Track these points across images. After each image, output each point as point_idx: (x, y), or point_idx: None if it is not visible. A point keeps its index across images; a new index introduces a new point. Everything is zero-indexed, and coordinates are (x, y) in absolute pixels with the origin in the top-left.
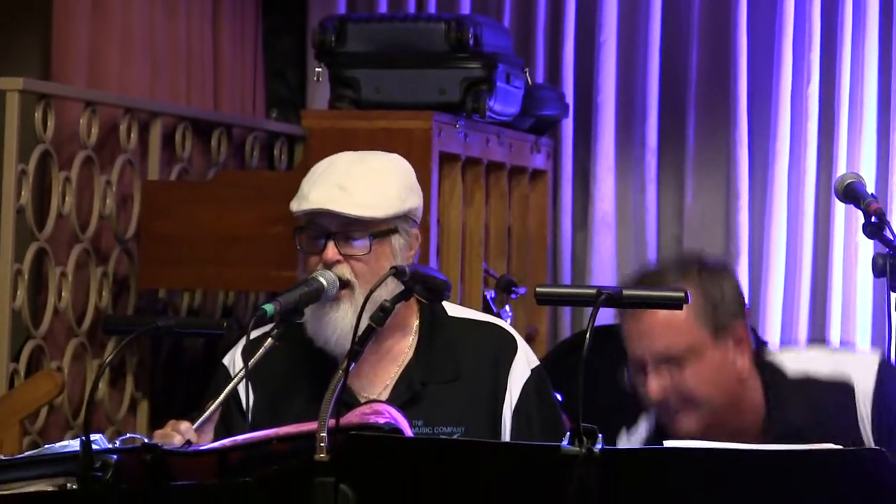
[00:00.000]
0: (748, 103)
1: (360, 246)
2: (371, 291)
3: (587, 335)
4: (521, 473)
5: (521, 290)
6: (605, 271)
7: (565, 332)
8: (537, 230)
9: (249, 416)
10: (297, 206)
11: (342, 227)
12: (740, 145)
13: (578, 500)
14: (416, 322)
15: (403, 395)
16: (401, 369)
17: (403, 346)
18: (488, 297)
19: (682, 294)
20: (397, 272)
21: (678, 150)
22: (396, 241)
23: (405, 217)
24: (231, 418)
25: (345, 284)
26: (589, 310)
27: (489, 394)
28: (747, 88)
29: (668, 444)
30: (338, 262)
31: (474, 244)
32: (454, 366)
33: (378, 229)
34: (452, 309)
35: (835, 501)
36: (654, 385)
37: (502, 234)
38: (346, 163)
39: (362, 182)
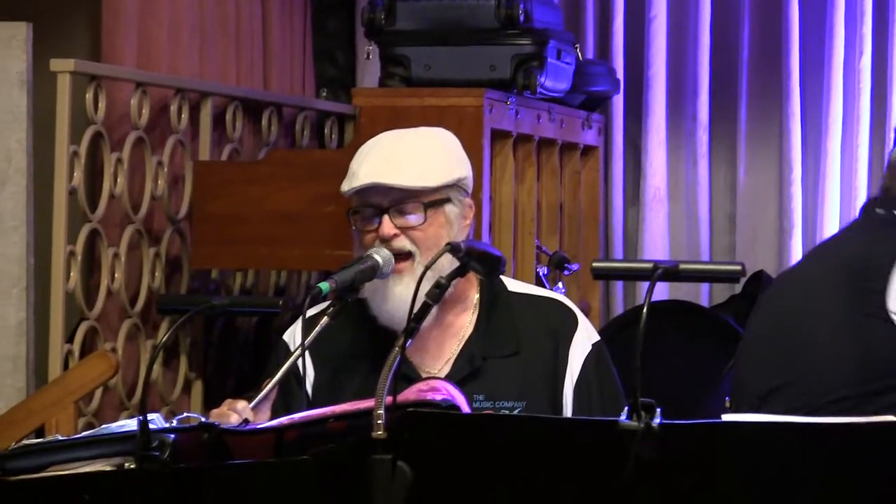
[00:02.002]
0: (800, 76)
1: (415, 217)
2: (426, 269)
3: (644, 309)
4: (578, 449)
5: (574, 267)
6: (657, 247)
7: (618, 308)
8: (589, 206)
9: (310, 391)
10: (347, 185)
11: (395, 201)
12: (793, 119)
13: (637, 475)
14: (477, 297)
15: (464, 370)
16: (461, 344)
17: (464, 321)
18: (541, 273)
19: (738, 267)
20: (452, 248)
21: (730, 124)
22: (450, 210)
23: (456, 186)
24: (291, 395)
25: (406, 256)
26: (643, 285)
27: (549, 369)
28: (799, 61)
29: (727, 417)
30: (395, 235)
31: (526, 221)
32: (514, 340)
33: (431, 199)
34: (512, 284)
35: None
36: None
37: (554, 210)
38: (391, 139)
39: (410, 154)
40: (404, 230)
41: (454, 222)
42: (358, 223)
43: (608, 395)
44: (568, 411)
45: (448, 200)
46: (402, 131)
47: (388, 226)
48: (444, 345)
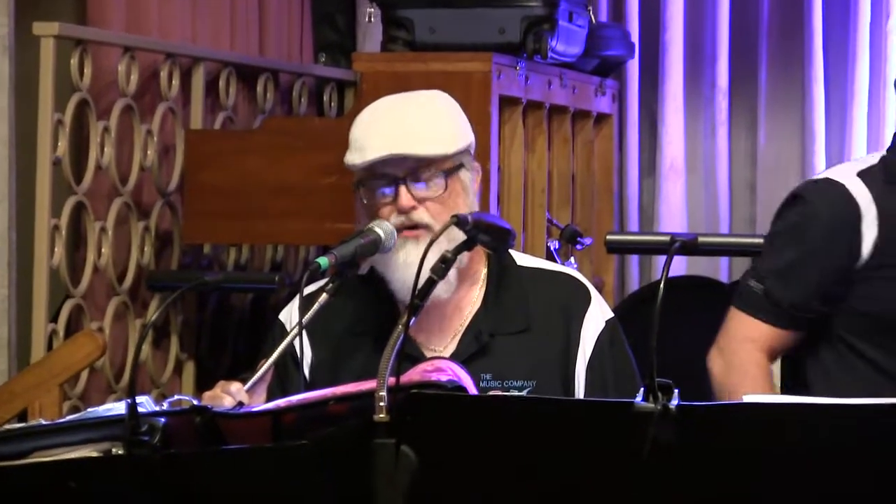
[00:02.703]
0: (824, 39)
1: (434, 186)
2: (431, 242)
3: (661, 285)
4: (592, 432)
5: (587, 241)
6: (674, 220)
7: (633, 284)
8: (602, 177)
9: (307, 373)
10: (358, 158)
11: (411, 171)
12: (816, 84)
13: (654, 458)
14: (485, 272)
15: (471, 347)
16: (468, 320)
17: (471, 297)
18: (552, 248)
19: (760, 240)
20: (459, 221)
21: (750, 90)
22: (465, 175)
23: (467, 151)
24: (288, 376)
25: (424, 228)
26: (659, 260)
27: (561, 346)
28: (823, 24)
29: (748, 398)
30: (413, 207)
31: (536, 192)
32: (524, 316)
33: (448, 166)
34: (522, 258)
35: None
36: None
37: (566, 181)
38: (395, 104)
39: (422, 120)
40: (422, 201)
41: (469, 189)
42: (368, 196)
43: (623, 375)
44: (580, 391)
45: (462, 166)
46: (402, 96)
47: (406, 197)
48: (450, 321)
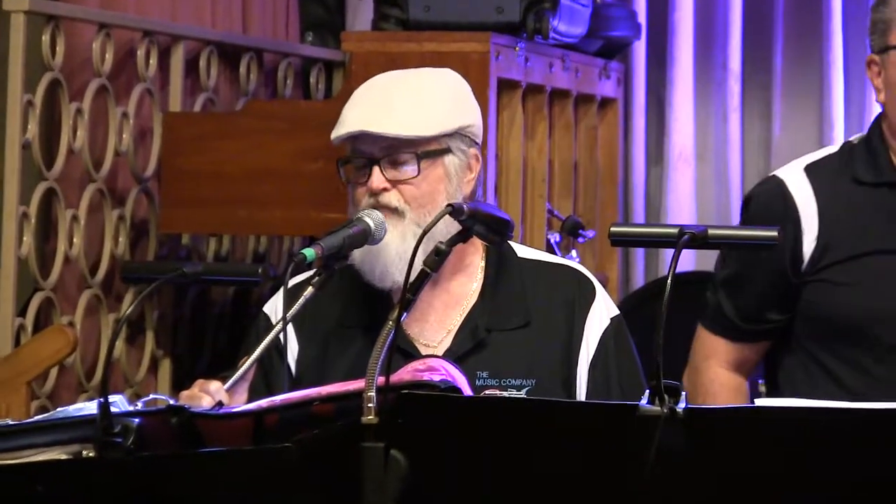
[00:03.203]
0: (843, 20)
1: (408, 169)
2: (424, 232)
3: (668, 280)
4: (594, 436)
5: (590, 234)
6: (682, 212)
7: (638, 280)
8: (607, 166)
9: (294, 368)
10: (336, 132)
11: (386, 151)
12: (834, 68)
13: (660, 463)
14: (482, 263)
15: (466, 343)
16: (464, 314)
17: (468, 290)
18: (552, 240)
19: (774, 233)
20: (454, 210)
21: (764, 74)
22: (450, 161)
23: (458, 135)
24: (272, 374)
25: (392, 211)
26: (667, 254)
27: (563, 343)
28: (842, 4)
29: (759, 402)
30: (384, 189)
31: (536, 181)
32: (524, 311)
33: (426, 149)
34: (522, 250)
35: None
36: None
37: (568, 170)
38: (387, 81)
39: (405, 99)
40: (395, 184)
41: (454, 176)
42: (349, 174)
43: (627, 375)
44: (582, 391)
45: (447, 151)
46: (403, 72)
47: (377, 178)
48: (445, 315)
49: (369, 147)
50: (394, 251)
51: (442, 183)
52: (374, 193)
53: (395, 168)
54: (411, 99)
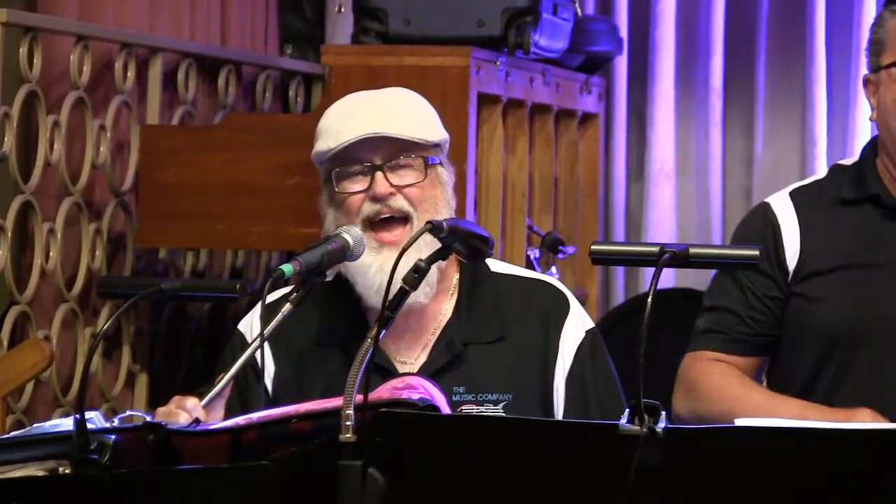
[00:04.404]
0: (827, 37)
1: (413, 173)
2: (404, 249)
3: (649, 299)
4: (574, 454)
5: (569, 250)
6: (663, 228)
7: (618, 297)
8: (587, 181)
9: (270, 387)
10: (332, 142)
11: (390, 156)
12: (817, 85)
13: (640, 483)
14: (457, 278)
15: (442, 358)
16: (440, 330)
17: (443, 305)
18: (532, 256)
19: (756, 252)
20: (434, 228)
21: (746, 89)
22: (442, 170)
23: (443, 147)
24: (248, 391)
25: (402, 218)
26: (647, 271)
27: (539, 356)
28: (826, 20)
29: (739, 422)
30: (391, 194)
31: (516, 197)
32: (499, 325)
33: (429, 154)
34: (496, 265)
35: None
36: None
37: (548, 185)
38: (367, 96)
39: (401, 107)
40: (400, 188)
41: (447, 184)
42: (340, 186)
43: (605, 389)
44: (559, 404)
45: (440, 160)
46: (375, 91)
47: (382, 183)
48: (421, 331)
49: (369, 155)
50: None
51: (439, 189)
52: (380, 199)
53: (398, 173)
54: (405, 107)
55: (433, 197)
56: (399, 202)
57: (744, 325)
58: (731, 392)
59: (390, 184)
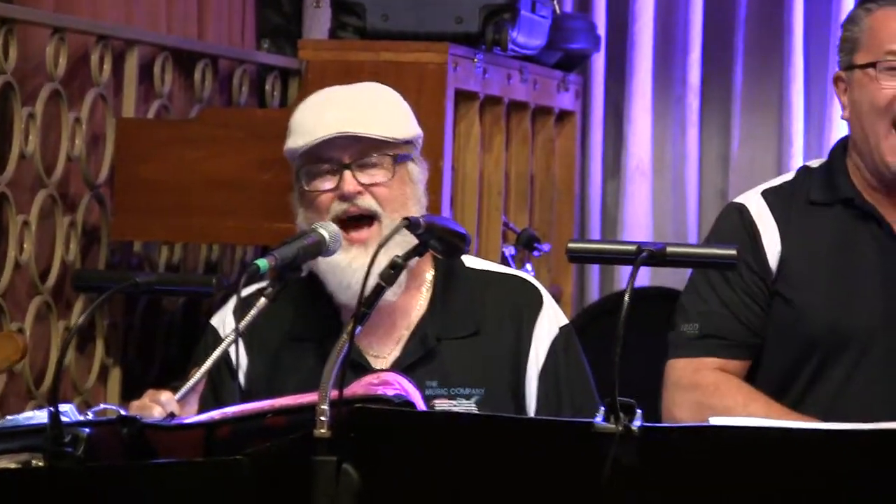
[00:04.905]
0: (804, 35)
1: (381, 172)
2: (380, 246)
3: (626, 297)
4: (548, 452)
5: (545, 247)
6: (639, 226)
7: (593, 293)
8: (563, 179)
9: (243, 382)
10: (302, 140)
11: (359, 154)
12: (794, 84)
13: (614, 482)
14: (431, 273)
15: (416, 353)
16: (413, 325)
17: (416, 301)
18: (507, 253)
19: (733, 251)
20: (410, 224)
21: (724, 88)
22: (413, 168)
23: (415, 143)
24: (222, 385)
25: (370, 218)
26: (623, 268)
27: (512, 352)
28: (804, 20)
29: (714, 420)
30: (359, 193)
31: (493, 194)
32: (473, 320)
33: (398, 152)
34: (470, 261)
35: None
36: None
37: (524, 182)
38: (339, 92)
39: (371, 104)
40: (368, 187)
41: (417, 182)
42: (310, 184)
43: (577, 385)
44: (531, 400)
45: (410, 157)
46: (347, 86)
47: (351, 182)
48: (394, 326)
49: (338, 153)
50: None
51: (409, 186)
52: (348, 198)
53: (366, 171)
54: (375, 105)
55: (402, 195)
56: (367, 201)
57: (741, 328)
58: (759, 415)
59: (358, 182)
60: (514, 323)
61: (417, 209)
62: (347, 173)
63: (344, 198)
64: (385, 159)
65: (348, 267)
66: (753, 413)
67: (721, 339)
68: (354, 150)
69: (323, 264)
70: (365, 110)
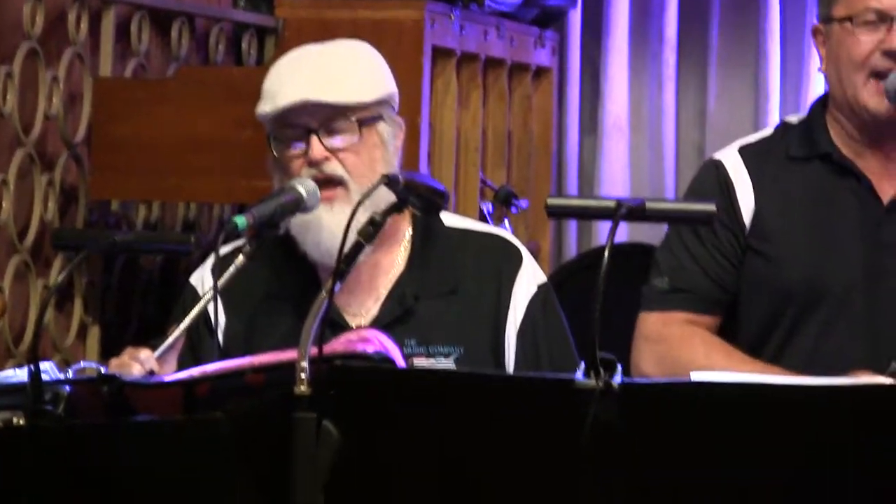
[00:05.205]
0: None
1: (349, 137)
2: (359, 203)
3: (606, 252)
4: (528, 409)
5: (522, 203)
6: (615, 182)
7: (571, 250)
8: (541, 135)
9: (222, 340)
10: (269, 106)
11: (325, 120)
12: (771, 40)
13: (595, 438)
14: (409, 232)
15: (395, 311)
16: (392, 283)
17: (394, 259)
18: (485, 210)
19: (711, 207)
20: (389, 181)
21: (700, 44)
22: (383, 128)
23: (388, 102)
24: (200, 343)
25: (337, 182)
26: (600, 224)
27: (490, 310)
28: None
29: (695, 376)
30: (326, 159)
31: (470, 151)
32: (451, 278)
33: (365, 115)
34: (449, 218)
35: (890, 443)
36: None
37: (501, 139)
38: (311, 52)
39: (338, 67)
40: (336, 153)
41: (388, 142)
42: (280, 149)
43: (556, 343)
44: (510, 358)
45: (380, 118)
46: (321, 45)
47: (317, 148)
48: (372, 285)
49: (306, 119)
50: (342, 225)
51: (378, 150)
52: (315, 164)
53: (331, 137)
54: (344, 67)
55: (370, 160)
56: (333, 167)
57: (711, 284)
58: (719, 366)
59: (326, 147)
60: (493, 281)
61: (387, 172)
62: (314, 139)
63: (311, 164)
64: (352, 125)
65: (319, 226)
66: (715, 363)
67: (690, 293)
68: (321, 114)
69: (295, 223)
70: (333, 74)
